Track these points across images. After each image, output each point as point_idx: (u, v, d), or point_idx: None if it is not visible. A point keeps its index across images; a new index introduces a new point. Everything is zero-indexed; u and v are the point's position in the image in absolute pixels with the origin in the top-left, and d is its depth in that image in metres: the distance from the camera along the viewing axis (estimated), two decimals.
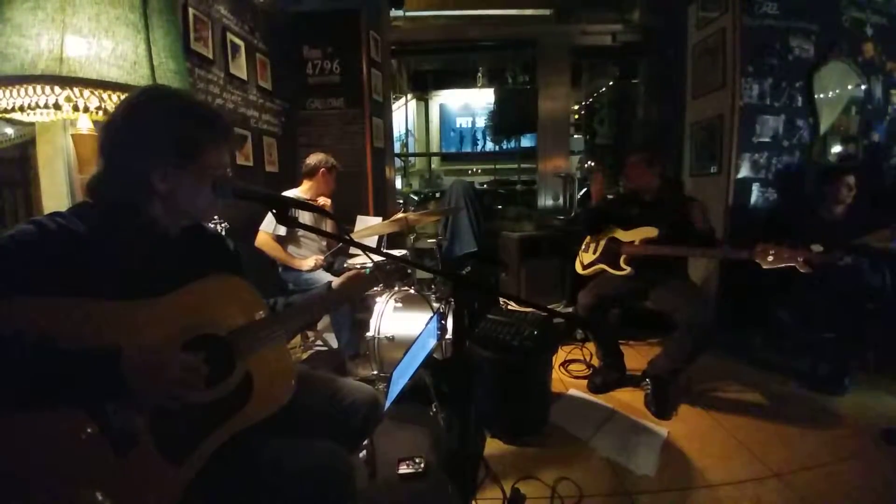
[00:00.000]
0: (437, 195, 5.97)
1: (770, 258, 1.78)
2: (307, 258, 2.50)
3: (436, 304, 2.16)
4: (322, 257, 2.51)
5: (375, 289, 2.35)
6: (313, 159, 2.62)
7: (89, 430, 0.69)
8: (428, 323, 1.60)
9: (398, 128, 6.90)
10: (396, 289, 2.27)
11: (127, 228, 0.84)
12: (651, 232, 2.19)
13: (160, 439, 0.75)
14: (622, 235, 2.33)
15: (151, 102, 0.87)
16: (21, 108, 1.18)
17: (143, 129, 0.84)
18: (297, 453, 0.91)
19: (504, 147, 7.20)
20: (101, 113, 1.23)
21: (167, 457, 0.76)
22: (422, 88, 7.97)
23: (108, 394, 0.71)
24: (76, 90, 1.17)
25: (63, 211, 0.82)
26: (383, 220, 2.42)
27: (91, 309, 0.74)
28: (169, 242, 0.92)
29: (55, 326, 0.69)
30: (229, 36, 2.68)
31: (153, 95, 0.90)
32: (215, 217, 2.05)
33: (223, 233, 2.05)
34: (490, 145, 7.85)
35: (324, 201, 2.65)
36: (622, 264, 2.25)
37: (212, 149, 0.88)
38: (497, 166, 7.36)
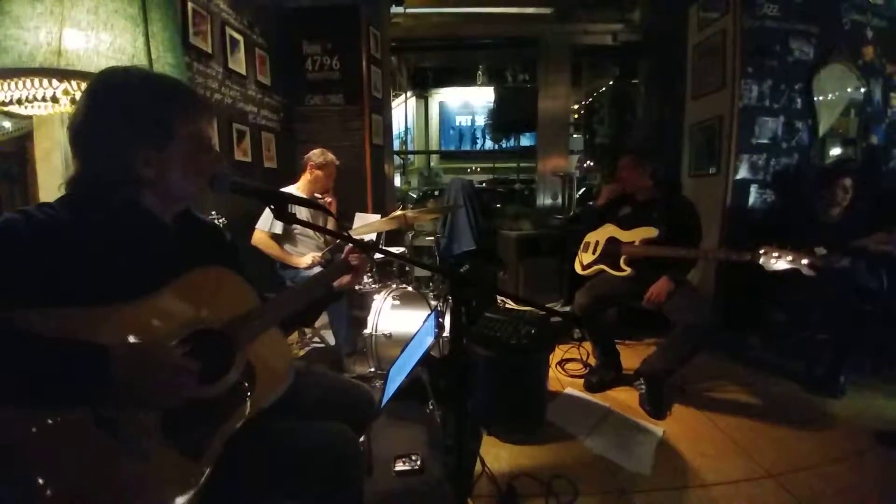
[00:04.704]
0: (437, 193, 5.97)
1: (773, 261, 1.77)
2: (304, 255, 2.50)
3: (433, 302, 2.16)
4: (320, 254, 2.51)
5: (368, 280, 2.37)
6: (326, 156, 2.60)
7: (99, 437, 0.67)
8: (425, 320, 1.60)
9: (397, 125, 6.89)
10: (395, 286, 2.27)
11: (119, 221, 0.81)
12: (651, 232, 2.18)
13: (176, 438, 0.74)
14: (622, 236, 2.31)
15: (109, 89, 0.81)
16: (19, 101, 1.18)
17: (110, 118, 0.79)
18: (311, 433, 0.94)
19: (503, 146, 7.21)
20: None
21: (186, 455, 0.75)
22: (421, 86, 7.96)
23: (96, 396, 0.66)
24: (74, 83, 1.17)
25: (51, 202, 0.77)
26: (382, 217, 2.41)
27: (82, 313, 0.70)
28: (164, 233, 0.89)
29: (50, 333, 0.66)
30: (228, 30, 2.67)
31: (109, 81, 0.83)
32: (213, 212, 2.05)
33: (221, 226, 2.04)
34: (489, 144, 7.86)
35: (329, 200, 2.66)
36: (622, 265, 2.24)
37: (183, 122, 0.83)
38: (496, 165, 7.38)
